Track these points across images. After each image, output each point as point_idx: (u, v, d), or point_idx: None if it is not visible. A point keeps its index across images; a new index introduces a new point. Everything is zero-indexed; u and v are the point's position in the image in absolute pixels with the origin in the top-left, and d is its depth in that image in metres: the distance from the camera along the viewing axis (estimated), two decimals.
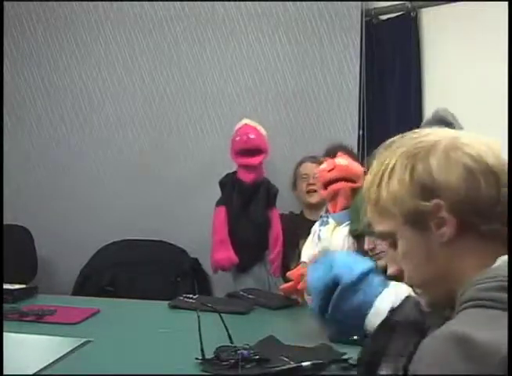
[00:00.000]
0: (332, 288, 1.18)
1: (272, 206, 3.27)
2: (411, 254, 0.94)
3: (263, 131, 3.24)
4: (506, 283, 0.80)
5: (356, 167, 2.36)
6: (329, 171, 2.33)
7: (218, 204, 3.23)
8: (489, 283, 0.82)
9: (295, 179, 3.40)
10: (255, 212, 3.23)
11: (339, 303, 1.17)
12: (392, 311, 1.12)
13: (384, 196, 0.94)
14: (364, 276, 1.19)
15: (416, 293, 1.00)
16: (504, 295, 0.79)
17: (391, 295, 1.16)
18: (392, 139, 0.99)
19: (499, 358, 0.72)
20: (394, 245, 0.97)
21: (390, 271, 1.00)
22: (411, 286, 0.99)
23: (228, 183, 3.25)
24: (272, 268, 3.21)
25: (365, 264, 1.22)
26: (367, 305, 1.17)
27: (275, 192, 3.27)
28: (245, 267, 3.25)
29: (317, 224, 2.43)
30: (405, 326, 1.06)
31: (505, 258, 0.86)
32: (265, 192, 3.25)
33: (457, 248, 0.91)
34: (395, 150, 0.95)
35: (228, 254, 3.14)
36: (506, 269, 0.83)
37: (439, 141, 0.93)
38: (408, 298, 1.13)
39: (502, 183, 0.89)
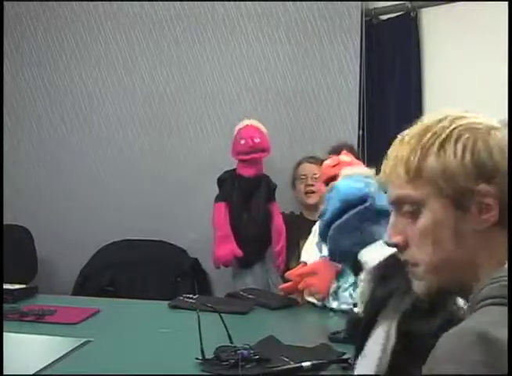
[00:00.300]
0: (356, 203, 1.13)
1: (272, 200, 3.28)
2: (437, 230, 0.87)
3: (264, 129, 3.25)
4: None
5: (359, 165, 2.37)
6: (332, 166, 2.34)
7: (218, 200, 3.23)
8: (506, 281, 0.80)
9: (294, 180, 3.40)
10: (256, 207, 3.24)
11: (355, 218, 1.13)
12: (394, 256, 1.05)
13: (430, 165, 0.87)
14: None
15: (412, 275, 0.92)
16: None
17: None
18: (430, 114, 0.92)
19: None
20: (412, 215, 0.89)
21: (394, 239, 0.92)
22: (414, 265, 0.91)
23: (228, 179, 3.25)
24: (277, 262, 3.20)
25: None
26: (374, 238, 1.12)
27: (274, 186, 3.29)
28: (247, 263, 3.25)
29: (317, 223, 2.44)
30: (402, 278, 1.00)
31: None
32: (265, 186, 3.27)
33: (489, 238, 0.86)
34: (442, 122, 0.89)
35: (231, 248, 3.14)
36: None
37: (492, 125, 0.88)
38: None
39: None
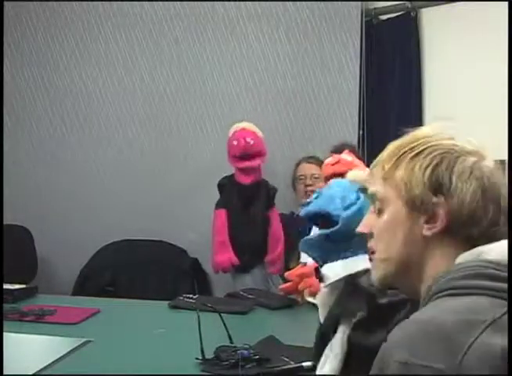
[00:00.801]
0: (329, 221, 1.23)
1: (272, 206, 3.27)
2: (392, 227, 1.00)
3: (260, 133, 3.24)
4: (465, 273, 0.89)
5: (359, 165, 2.37)
6: (333, 164, 2.33)
7: (218, 206, 3.23)
8: (452, 274, 0.91)
9: (293, 180, 3.40)
10: (255, 214, 3.23)
11: (321, 238, 1.23)
12: (353, 276, 1.20)
13: (399, 172, 0.99)
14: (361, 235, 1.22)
15: (371, 263, 1.06)
16: (463, 282, 0.88)
17: (365, 262, 1.19)
18: (429, 125, 1.04)
19: (461, 339, 0.79)
20: (379, 211, 1.02)
21: (360, 229, 1.07)
22: (372, 253, 1.04)
23: (227, 185, 3.24)
24: (273, 268, 3.21)
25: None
26: (337, 257, 1.23)
27: (273, 192, 3.27)
28: (245, 268, 3.25)
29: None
30: (362, 291, 1.15)
31: (464, 256, 0.94)
32: (264, 193, 3.25)
33: (435, 245, 0.97)
34: (425, 138, 1.00)
35: (229, 256, 3.14)
36: (467, 264, 0.91)
37: (467, 151, 0.98)
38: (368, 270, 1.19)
39: (503, 208, 0.96)
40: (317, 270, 1.28)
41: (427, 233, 0.97)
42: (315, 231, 1.32)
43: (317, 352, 1.21)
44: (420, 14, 3.57)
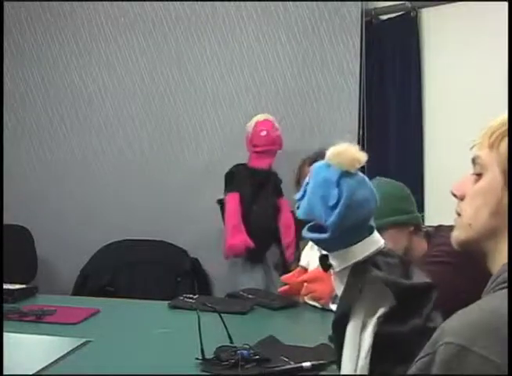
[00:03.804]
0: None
1: (281, 195, 3.30)
2: (485, 194, 1.01)
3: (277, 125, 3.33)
4: None
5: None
6: None
7: (230, 190, 3.23)
8: None
9: (299, 178, 3.40)
10: (266, 200, 3.26)
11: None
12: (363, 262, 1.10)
13: (505, 142, 0.99)
14: None
15: (455, 224, 1.07)
16: None
17: (373, 245, 1.11)
18: None
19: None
20: (477, 176, 1.03)
21: (455, 191, 1.07)
22: (458, 215, 1.06)
23: (241, 171, 3.26)
24: (287, 253, 3.22)
25: None
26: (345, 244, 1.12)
27: (280, 182, 3.34)
28: (255, 255, 3.25)
29: None
30: (381, 280, 1.07)
31: None
32: (273, 181, 3.30)
33: None
34: None
35: (243, 238, 3.14)
36: None
37: None
38: None
39: None
40: (322, 259, 1.16)
41: None
42: None
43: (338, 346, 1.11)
44: (420, 14, 3.57)
